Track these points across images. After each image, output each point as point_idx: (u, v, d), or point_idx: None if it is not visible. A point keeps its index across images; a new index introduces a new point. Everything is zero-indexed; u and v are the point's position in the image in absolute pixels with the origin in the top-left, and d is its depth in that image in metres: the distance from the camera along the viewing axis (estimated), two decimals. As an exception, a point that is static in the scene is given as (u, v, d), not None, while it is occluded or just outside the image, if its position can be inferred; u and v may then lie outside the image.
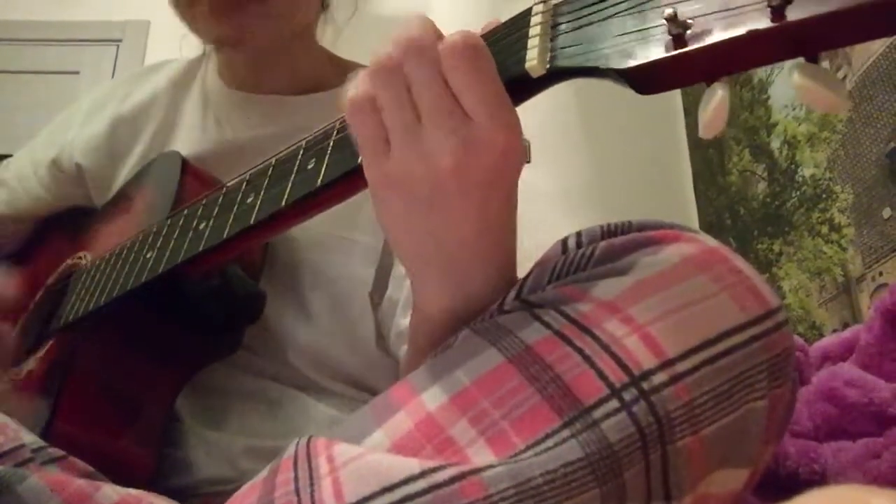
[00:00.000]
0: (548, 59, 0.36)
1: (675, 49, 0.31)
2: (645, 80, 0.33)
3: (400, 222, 0.40)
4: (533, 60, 0.36)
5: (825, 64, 0.30)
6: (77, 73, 2.23)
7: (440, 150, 0.36)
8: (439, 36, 0.38)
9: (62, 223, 0.81)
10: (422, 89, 0.36)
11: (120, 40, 2.29)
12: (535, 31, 0.37)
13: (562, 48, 0.36)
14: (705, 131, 0.32)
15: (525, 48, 0.37)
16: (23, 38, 2.26)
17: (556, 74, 0.36)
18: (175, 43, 0.79)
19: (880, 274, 1.41)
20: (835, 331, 1.51)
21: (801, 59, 0.30)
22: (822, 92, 0.29)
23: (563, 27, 0.37)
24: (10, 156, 0.87)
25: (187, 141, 0.74)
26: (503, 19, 0.41)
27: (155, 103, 0.78)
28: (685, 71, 0.32)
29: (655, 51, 0.32)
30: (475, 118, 0.36)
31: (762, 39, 0.30)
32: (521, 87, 0.37)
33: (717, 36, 0.30)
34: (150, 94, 0.78)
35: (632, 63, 0.32)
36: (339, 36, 0.78)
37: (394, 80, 0.37)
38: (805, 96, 0.29)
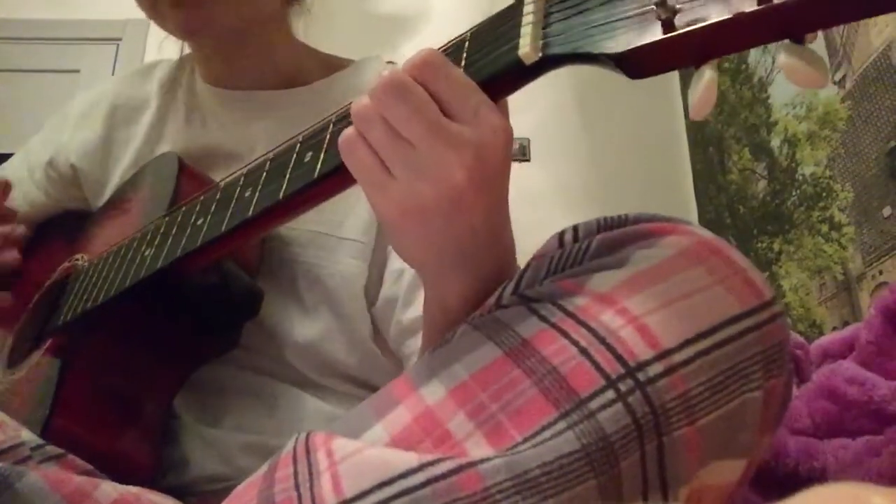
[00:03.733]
0: (540, 45, 0.37)
1: (665, 33, 0.32)
2: (636, 64, 0.34)
3: (420, 241, 0.41)
4: (525, 47, 0.37)
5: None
6: (77, 71, 2.23)
7: (447, 167, 0.37)
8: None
9: (58, 227, 0.81)
10: (405, 123, 0.38)
11: (120, 39, 2.28)
12: (527, 19, 0.38)
13: (554, 35, 0.37)
14: (695, 113, 0.33)
15: (518, 36, 0.38)
16: (23, 37, 2.26)
17: (550, 61, 0.37)
18: (174, 42, 0.80)
19: (880, 272, 1.41)
20: (835, 329, 1.51)
21: (786, 41, 0.31)
22: (805, 69, 0.30)
23: (555, 15, 0.38)
24: (11, 154, 0.87)
25: (175, 141, 0.75)
26: None
27: (146, 105, 0.78)
28: (675, 54, 0.33)
29: (646, 35, 0.33)
30: (471, 126, 0.38)
31: (749, 22, 0.30)
32: (515, 74, 0.38)
33: (706, 19, 0.31)
34: (141, 97, 0.79)
35: (623, 47, 0.33)
36: (330, 29, 0.78)
37: (375, 122, 0.39)
38: (790, 75, 0.30)
